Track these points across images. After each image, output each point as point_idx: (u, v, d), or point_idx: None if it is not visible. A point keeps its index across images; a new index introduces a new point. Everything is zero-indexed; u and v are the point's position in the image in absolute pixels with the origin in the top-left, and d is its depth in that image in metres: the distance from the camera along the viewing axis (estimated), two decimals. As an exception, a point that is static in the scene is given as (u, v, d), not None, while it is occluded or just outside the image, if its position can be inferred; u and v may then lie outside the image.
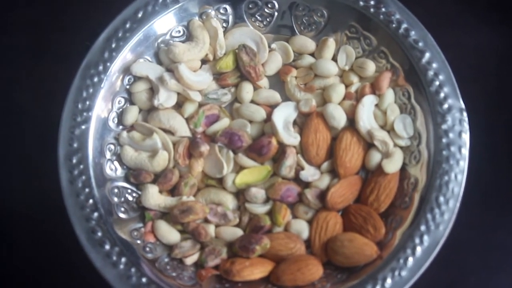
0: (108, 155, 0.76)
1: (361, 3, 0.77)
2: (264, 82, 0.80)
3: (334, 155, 0.76)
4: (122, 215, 0.74)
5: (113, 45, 0.76)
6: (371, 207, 0.74)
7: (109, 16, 0.77)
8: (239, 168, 0.77)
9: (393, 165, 0.73)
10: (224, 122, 0.78)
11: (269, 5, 0.81)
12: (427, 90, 0.74)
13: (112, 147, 0.76)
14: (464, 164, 0.71)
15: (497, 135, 0.82)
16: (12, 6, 0.90)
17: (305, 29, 0.81)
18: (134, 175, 0.76)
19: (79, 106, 0.74)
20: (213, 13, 0.80)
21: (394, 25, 0.76)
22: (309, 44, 0.81)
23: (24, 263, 0.80)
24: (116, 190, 0.75)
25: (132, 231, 0.74)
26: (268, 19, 0.82)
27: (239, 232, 0.75)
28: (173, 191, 0.76)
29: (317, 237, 0.73)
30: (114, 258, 0.70)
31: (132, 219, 0.75)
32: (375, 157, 0.75)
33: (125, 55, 0.77)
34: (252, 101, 0.79)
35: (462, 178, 0.71)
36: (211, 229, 0.75)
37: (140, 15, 0.77)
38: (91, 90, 0.75)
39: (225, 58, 0.79)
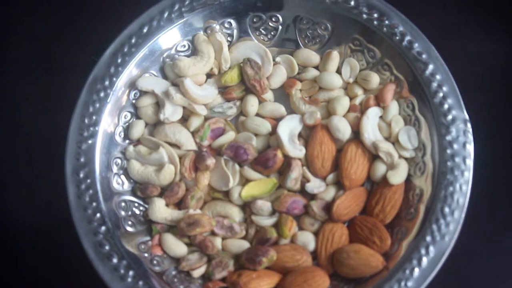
0: (115, 169, 0.76)
1: (365, 16, 0.78)
2: (269, 95, 0.80)
3: (339, 167, 0.76)
4: (129, 229, 0.74)
5: (119, 60, 0.77)
6: (377, 219, 0.74)
7: (115, 31, 0.78)
8: (245, 181, 0.77)
9: (398, 177, 0.74)
10: (230, 136, 0.78)
11: (273, 19, 0.81)
12: (431, 102, 0.74)
13: (118, 161, 0.77)
14: (468, 174, 0.71)
15: (502, 144, 0.83)
16: (19, 20, 0.91)
17: (309, 42, 0.82)
18: (141, 188, 0.76)
19: (86, 120, 0.75)
20: (217, 27, 0.81)
21: (397, 38, 0.77)
22: (313, 57, 0.81)
23: (32, 276, 0.81)
24: (123, 204, 0.75)
25: (139, 244, 0.74)
26: (272, 33, 0.82)
27: (245, 245, 0.75)
28: (180, 204, 0.77)
29: (323, 248, 0.73)
30: (122, 271, 0.70)
31: (139, 233, 0.75)
32: (380, 169, 0.75)
33: (131, 70, 0.77)
34: (257, 114, 0.80)
35: (467, 188, 0.71)
36: (217, 241, 0.75)
37: (145, 30, 0.78)
38: (97, 105, 0.75)
39: (230, 72, 0.79)
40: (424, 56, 0.76)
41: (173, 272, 0.74)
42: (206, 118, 0.79)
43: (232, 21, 0.81)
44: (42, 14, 0.91)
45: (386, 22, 0.77)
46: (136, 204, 0.77)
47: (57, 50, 0.88)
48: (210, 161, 0.75)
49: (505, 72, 0.86)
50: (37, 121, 0.86)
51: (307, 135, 0.78)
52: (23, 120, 0.86)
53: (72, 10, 0.90)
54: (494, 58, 0.87)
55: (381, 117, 0.77)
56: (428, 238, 0.70)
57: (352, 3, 0.78)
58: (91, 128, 0.75)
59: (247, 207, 0.77)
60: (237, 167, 0.77)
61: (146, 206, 0.76)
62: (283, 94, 0.81)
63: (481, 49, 0.87)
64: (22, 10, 0.91)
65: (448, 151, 0.72)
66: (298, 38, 0.82)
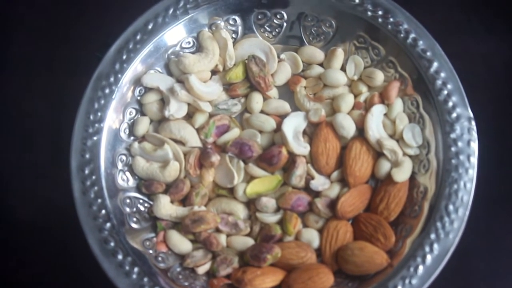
0: (120, 165, 0.76)
1: (369, 13, 0.78)
2: (273, 92, 0.80)
3: (343, 164, 0.76)
4: (134, 225, 0.74)
5: (124, 57, 0.77)
6: (381, 216, 0.74)
7: (120, 28, 0.78)
8: (249, 178, 0.77)
9: (402, 174, 0.74)
10: (235, 132, 0.78)
11: (278, 16, 0.81)
12: (435, 99, 0.74)
13: (123, 157, 0.77)
14: (473, 172, 0.72)
15: (506, 142, 0.83)
16: (25, 17, 0.91)
17: (313, 40, 0.82)
18: (146, 185, 0.76)
19: (91, 117, 0.75)
20: (222, 24, 0.81)
21: (402, 35, 0.77)
22: (318, 54, 0.81)
23: (37, 273, 0.81)
24: (128, 201, 0.75)
25: (144, 241, 0.74)
26: (277, 30, 0.82)
27: (250, 242, 0.75)
28: (185, 201, 0.77)
29: (328, 245, 0.74)
30: (127, 267, 0.70)
31: (144, 229, 0.75)
32: (384, 166, 0.75)
33: (136, 67, 0.78)
34: (262, 111, 0.80)
35: (471, 186, 0.71)
36: (222, 238, 0.75)
37: (150, 26, 0.78)
38: (102, 101, 0.75)
39: (235, 69, 0.79)
40: (428, 53, 0.76)
41: (178, 269, 0.74)
42: (211, 115, 0.79)
43: (237, 18, 0.81)
44: (45, 10, 0.91)
45: (391, 19, 0.77)
46: (141, 201, 0.77)
47: (62, 47, 0.89)
48: (215, 158, 0.75)
49: (508, 70, 0.86)
50: (42, 118, 0.86)
51: (311, 132, 0.78)
52: (27, 117, 0.86)
53: (76, 6, 0.91)
54: (497, 57, 0.87)
55: (385, 114, 0.77)
56: (433, 236, 0.70)
57: (357, 0, 0.78)
58: (96, 125, 0.75)
59: (251, 204, 0.77)
60: (241, 164, 0.77)
61: (151, 202, 0.77)
62: (287, 91, 0.81)
63: (484, 48, 0.87)
64: (25, 7, 0.91)
65: (453, 148, 0.72)
66: (302, 35, 0.82)
